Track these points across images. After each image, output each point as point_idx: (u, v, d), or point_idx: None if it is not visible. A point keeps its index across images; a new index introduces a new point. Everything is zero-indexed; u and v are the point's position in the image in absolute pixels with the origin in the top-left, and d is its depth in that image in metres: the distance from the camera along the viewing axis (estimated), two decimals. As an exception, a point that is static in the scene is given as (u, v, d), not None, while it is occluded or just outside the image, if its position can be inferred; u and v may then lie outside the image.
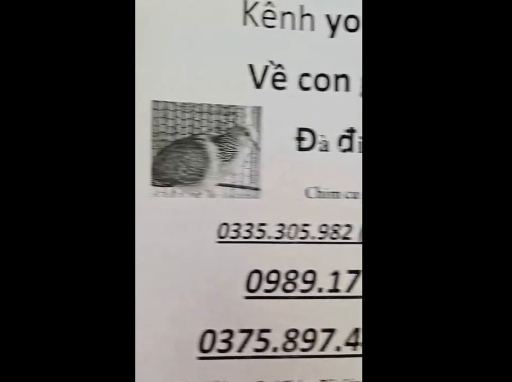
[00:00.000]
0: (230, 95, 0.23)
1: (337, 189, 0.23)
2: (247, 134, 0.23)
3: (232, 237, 0.22)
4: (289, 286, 0.23)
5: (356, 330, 0.23)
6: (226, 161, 0.22)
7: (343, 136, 0.23)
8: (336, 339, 0.23)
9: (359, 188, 0.23)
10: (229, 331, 0.22)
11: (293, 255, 0.23)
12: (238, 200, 0.22)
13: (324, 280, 0.23)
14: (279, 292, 0.23)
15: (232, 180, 0.23)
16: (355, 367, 0.23)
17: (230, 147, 0.22)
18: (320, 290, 0.23)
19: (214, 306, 0.22)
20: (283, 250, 0.23)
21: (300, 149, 0.23)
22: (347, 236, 0.23)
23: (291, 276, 0.23)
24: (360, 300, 0.23)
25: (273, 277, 0.23)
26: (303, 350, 0.23)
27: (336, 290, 0.23)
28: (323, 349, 0.23)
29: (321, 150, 0.23)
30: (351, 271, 0.23)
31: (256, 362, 0.22)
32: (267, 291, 0.22)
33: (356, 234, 0.23)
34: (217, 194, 0.22)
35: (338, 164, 0.23)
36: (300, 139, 0.23)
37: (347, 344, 0.23)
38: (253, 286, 0.22)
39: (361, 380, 0.23)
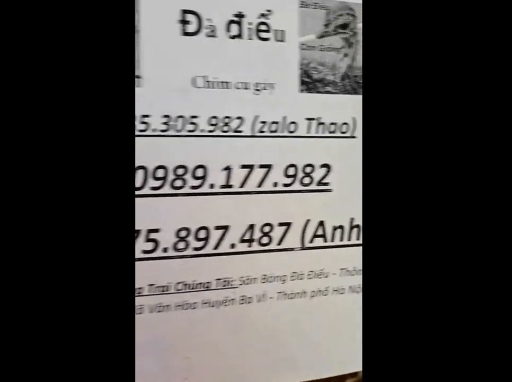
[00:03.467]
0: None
1: (227, 79, 0.22)
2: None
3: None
4: (178, 183, 0.21)
5: (251, 226, 0.22)
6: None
7: (231, 21, 0.22)
8: (230, 236, 0.22)
9: (249, 78, 0.22)
10: (113, 233, 0.20)
11: (182, 149, 0.21)
12: (115, 88, 0.20)
13: (216, 175, 0.22)
14: (167, 189, 0.21)
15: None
16: (251, 264, 0.22)
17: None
18: (211, 186, 0.22)
19: (93, 207, 0.20)
20: (170, 144, 0.21)
21: (185, 34, 0.21)
22: (239, 129, 0.22)
23: (180, 171, 0.21)
24: (254, 196, 0.22)
25: (160, 173, 0.21)
26: (196, 249, 0.21)
27: (228, 186, 0.22)
28: (216, 247, 0.22)
29: (208, 35, 0.21)
30: (244, 166, 0.22)
31: (145, 264, 0.21)
32: (154, 188, 0.21)
33: (248, 127, 0.22)
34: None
35: (227, 52, 0.22)
36: (184, 22, 0.21)
37: (242, 240, 0.22)
38: (138, 184, 0.21)
39: (258, 276, 0.22)
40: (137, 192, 0.21)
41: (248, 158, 0.22)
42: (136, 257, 0.21)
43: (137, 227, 0.21)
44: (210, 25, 0.21)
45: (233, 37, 0.22)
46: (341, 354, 0.24)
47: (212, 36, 0.21)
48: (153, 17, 0.20)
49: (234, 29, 0.22)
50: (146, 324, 0.21)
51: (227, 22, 0.21)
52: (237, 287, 0.22)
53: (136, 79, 0.20)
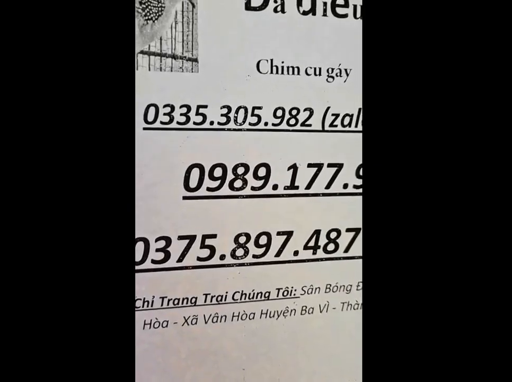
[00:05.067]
0: None
1: (296, 63, 0.19)
2: (178, -15, 0.17)
3: (163, 123, 0.18)
4: (238, 183, 0.19)
5: (317, 232, 0.20)
6: (149, 19, 0.17)
7: (303, -7, 0.18)
8: (293, 243, 0.20)
9: (322, 63, 0.19)
10: (166, 239, 0.18)
11: (242, 145, 0.18)
12: (168, 74, 0.17)
13: (280, 175, 0.19)
14: (225, 190, 0.19)
15: (160, 46, 0.17)
16: (315, 272, 0.20)
17: (155, 0, 0.17)
18: (275, 187, 0.19)
19: (145, 211, 0.18)
20: (228, 139, 0.18)
21: (249, 8, 0.18)
22: (308, 123, 0.19)
23: (240, 170, 0.19)
24: (321, 198, 0.20)
25: (218, 172, 0.18)
26: (256, 256, 0.19)
27: (294, 187, 0.19)
28: (278, 254, 0.20)
29: (276, 11, 0.18)
30: (311, 165, 0.19)
31: (200, 272, 0.19)
32: (210, 189, 0.18)
33: (318, 120, 0.19)
34: (140, 66, 0.17)
35: (298, 31, 0.18)
36: (248, -6, 0.18)
37: (306, 247, 0.20)
38: (193, 184, 0.18)
39: (321, 286, 0.20)
40: (192, 194, 0.18)
41: (316, 156, 0.19)
42: (191, 264, 0.19)
43: (191, 232, 0.18)
44: (279, -2, 0.18)
45: (305, 13, 0.18)
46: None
47: (281, 11, 0.18)
48: (213, -13, 0.17)
49: (306, 3, 0.18)
50: (201, 334, 0.19)
51: (298, -5, 0.18)
52: (298, 297, 0.20)
53: (192, 62, 0.17)
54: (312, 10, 0.18)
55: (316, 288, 0.20)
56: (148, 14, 0.17)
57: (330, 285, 0.20)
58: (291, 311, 0.20)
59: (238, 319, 0.20)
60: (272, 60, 0.18)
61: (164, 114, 0.17)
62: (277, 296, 0.20)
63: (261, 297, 0.20)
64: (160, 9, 0.17)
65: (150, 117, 0.17)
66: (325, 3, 0.18)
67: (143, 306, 0.18)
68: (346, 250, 0.20)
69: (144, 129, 0.17)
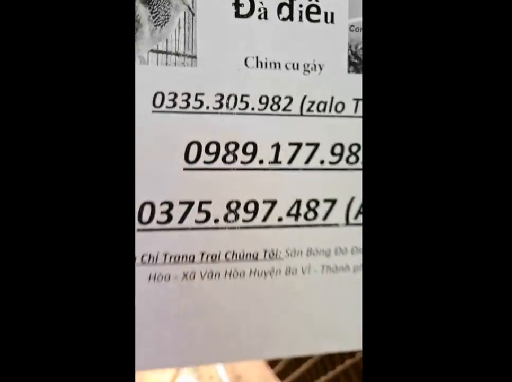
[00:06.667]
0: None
1: (277, 59, 0.23)
2: (181, -1, 0.21)
3: (168, 107, 0.22)
4: (229, 158, 0.22)
5: (298, 201, 0.23)
6: (158, 25, 0.21)
7: (282, 4, 0.22)
8: (278, 210, 0.23)
9: (299, 59, 0.23)
10: (169, 203, 0.22)
11: (233, 126, 0.22)
12: (173, 68, 0.22)
13: (265, 152, 0.23)
14: (219, 164, 0.22)
15: (166, 46, 0.21)
16: (297, 237, 0.23)
17: (163, 10, 0.21)
18: (261, 162, 0.23)
19: (152, 179, 0.22)
20: (222, 121, 0.22)
21: (238, 15, 0.22)
22: (288, 108, 0.23)
23: (231, 147, 0.22)
24: (301, 172, 0.23)
25: (213, 148, 0.22)
26: (245, 221, 0.23)
27: (277, 162, 0.23)
28: (264, 220, 0.23)
29: (260, 17, 0.22)
30: (292, 144, 0.23)
31: (197, 233, 0.22)
32: (207, 162, 0.22)
33: (296, 106, 0.23)
34: (150, 61, 0.21)
35: (278, 33, 0.22)
36: (237, 4, 0.22)
37: (289, 214, 0.23)
38: (192, 158, 0.22)
39: (303, 249, 0.23)
40: (191, 166, 0.22)
41: (296, 136, 0.23)
42: (189, 226, 0.22)
43: (190, 199, 0.22)
44: (262, 8, 0.22)
45: (284, 19, 0.22)
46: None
47: (264, 18, 0.22)
48: (209, 0, 0.22)
49: (285, 11, 0.22)
50: (197, 289, 0.22)
51: (278, 4, 0.22)
52: (283, 259, 0.23)
53: (192, 59, 0.22)
54: (290, 17, 0.22)
55: (298, 252, 0.23)
56: (157, 21, 0.21)
57: (311, 248, 0.23)
58: (277, 271, 0.23)
59: (230, 277, 0.23)
60: (257, 57, 0.22)
61: (169, 100, 0.21)
62: (265, 257, 0.23)
63: (250, 257, 0.23)
64: (166, 17, 0.21)
65: (158, 102, 0.21)
66: (300, 12, 0.23)
67: (149, 262, 0.22)
68: (325, 218, 0.23)
69: (153, 112, 0.21)
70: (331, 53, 0.23)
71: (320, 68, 0.23)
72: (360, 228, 0.24)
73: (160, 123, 0.21)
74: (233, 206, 0.22)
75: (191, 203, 0.22)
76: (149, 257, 0.22)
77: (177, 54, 0.22)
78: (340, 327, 0.24)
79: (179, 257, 0.22)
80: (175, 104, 0.22)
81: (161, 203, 0.22)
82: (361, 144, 0.24)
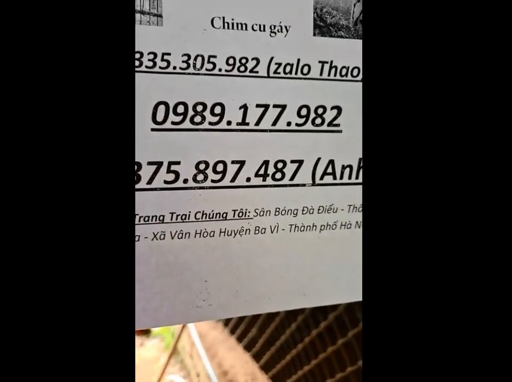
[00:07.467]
0: None
1: (243, 21, 0.23)
2: (145, -44, 0.21)
3: (135, 67, 0.21)
4: (197, 119, 0.22)
5: (265, 162, 0.24)
6: (122, -19, 0.21)
7: (249, -36, 0.22)
8: (246, 171, 0.23)
9: (265, 21, 0.23)
10: (138, 164, 0.22)
11: (200, 87, 0.22)
12: (138, 27, 0.21)
13: (233, 113, 0.23)
14: (187, 125, 0.22)
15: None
16: (265, 197, 0.24)
17: (127, -34, 0.21)
18: (229, 123, 0.23)
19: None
20: (189, 82, 0.22)
21: (204, -25, 0.22)
22: (255, 70, 0.23)
23: (199, 108, 0.22)
24: (268, 133, 0.24)
25: (180, 109, 0.22)
26: (214, 181, 0.23)
27: (245, 123, 0.23)
28: (233, 180, 0.23)
29: (226, -23, 0.22)
30: (259, 105, 0.23)
31: (167, 193, 0.22)
32: (174, 123, 0.22)
33: (263, 68, 0.23)
34: (115, 18, 0.21)
35: (245, -6, 0.23)
36: (203, -36, 0.22)
37: (257, 175, 0.23)
38: (159, 119, 0.22)
39: (271, 209, 0.24)
40: (158, 127, 0.22)
41: (263, 98, 0.23)
42: (158, 186, 0.22)
43: (159, 159, 0.22)
44: (228, -33, 0.22)
45: (250, -21, 0.23)
46: (346, 283, 0.25)
47: (230, -22, 0.22)
48: (174, -42, 0.21)
49: (251, -29, 0.23)
50: (167, 249, 0.22)
51: (245, -36, 0.22)
52: (252, 218, 0.23)
53: (157, 17, 0.21)
54: (256, -22, 0.23)
55: (267, 211, 0.24)
56: (121, -24, 0.21)
57: (279, 208, 0.24)
58: (246, 230, 0.24)
59: (200, 236, 0.23)
60: (224, 17, 0.22)
61: (135, 59, 0.21)
62: (234, 217, 0.23)
63: (219, 217, 0.23)
64: (130, -27, 0.21)
65: (123, 61, 0.21)
66: (266, -28, 0.23)
67: (118, 222, 0.22)
68: (292, 178, 0.24)
69: (118, 71, 0.21)
70: (297, 15, 0.23)
71: (287, 30, 0.23)
72: (325, 188, 0.25)
73: (126, 83, 0.21)
74: (202, 166, 0.23)
75: (159, 164, 0.22)
76: (118, 218, 0.22)
77: (142, 12, 0.21)
78: (307, 284, 0.25)
79: (149, 218, 0.22)
80: (141, 64, 0.21)
81: (130, 164, 0.22)
82: (326, 106, 0.24)
